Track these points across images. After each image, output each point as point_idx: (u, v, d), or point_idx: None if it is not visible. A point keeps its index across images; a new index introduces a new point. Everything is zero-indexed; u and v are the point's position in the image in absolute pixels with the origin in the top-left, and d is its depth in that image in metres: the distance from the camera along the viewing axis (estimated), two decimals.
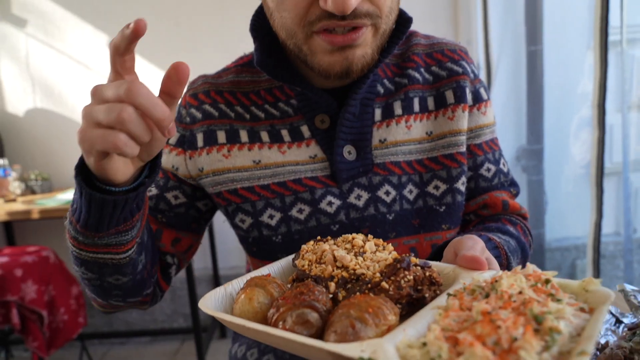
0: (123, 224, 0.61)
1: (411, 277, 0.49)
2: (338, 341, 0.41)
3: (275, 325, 0.45)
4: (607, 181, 1.87)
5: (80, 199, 0.58)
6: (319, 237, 0.63)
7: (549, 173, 2.42)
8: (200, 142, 0.80)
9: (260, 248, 0.81)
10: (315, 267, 0.54)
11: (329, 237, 0.63)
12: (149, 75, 2.68)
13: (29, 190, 2.52)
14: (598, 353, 0.61)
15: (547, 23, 2.29)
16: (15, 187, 2.39)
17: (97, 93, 0.51)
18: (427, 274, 0.51)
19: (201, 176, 0.81)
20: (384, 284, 0.49)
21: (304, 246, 0.59)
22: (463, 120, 0.81)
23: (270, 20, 0.74)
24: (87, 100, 0.52)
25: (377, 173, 0.79)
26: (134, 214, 0.61)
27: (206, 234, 2.40)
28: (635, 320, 0.67)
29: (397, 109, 0.80)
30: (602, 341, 0.64)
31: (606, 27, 1.41)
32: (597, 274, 1.55)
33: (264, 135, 0.80)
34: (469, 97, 0.82)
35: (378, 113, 0.80)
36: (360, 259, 0.54)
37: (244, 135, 0.80)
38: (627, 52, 1.52)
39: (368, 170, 0.78)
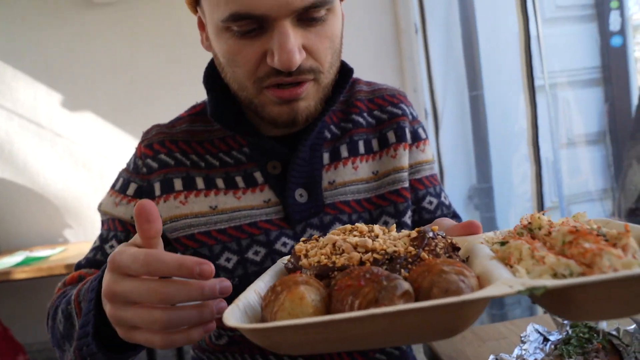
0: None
1: (442, 245, 0.49)
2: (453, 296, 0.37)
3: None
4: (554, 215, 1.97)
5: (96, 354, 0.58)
6: (304, 238, 0.56)
7: (499, 209, 2.53)
8: (157, 191, 0.81)
9: None
10: (337, 258, 0.48)
11: (317, 236, 0.57)
12: (107, 132, 2.69)
13: None
14: None
15: (484, 69, 2.46)
16: None
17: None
18: (449, 240, 0.51)
19: None
20: (423, 254, 0.47)
21: (297, 247, 0.52)
22: (404, 157, 0.86)
23: (222, 74, 0.77)
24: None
25: (327, 213, 0.81)
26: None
27: None
28: (560, 337, 0.71)
29: (344, 151, 0.85)
30: (532, 359, 0.68)
31: (531, 72, 1.55)
32: None
33: (220, 182, 0.81)
34: (408, 136, 0.88)
35: (326, 157, 0.84)
36: (380, 240, 0.50)
37: (200, 182, 0.81)
38: (550, 94, 1.66)
39: (319, 211, 0.81)
